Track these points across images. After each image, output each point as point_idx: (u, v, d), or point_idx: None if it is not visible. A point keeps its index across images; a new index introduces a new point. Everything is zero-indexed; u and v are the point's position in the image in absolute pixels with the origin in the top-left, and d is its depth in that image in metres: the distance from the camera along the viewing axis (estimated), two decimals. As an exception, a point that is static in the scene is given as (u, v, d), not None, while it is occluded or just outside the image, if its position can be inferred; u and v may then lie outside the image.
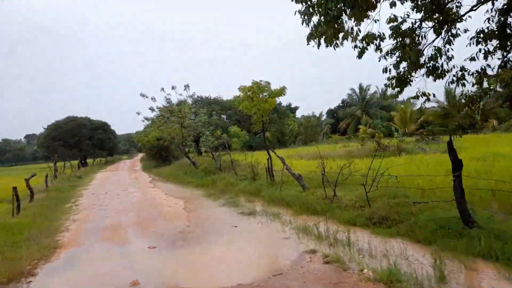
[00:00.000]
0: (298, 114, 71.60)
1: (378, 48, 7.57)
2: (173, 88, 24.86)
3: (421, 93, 8.08)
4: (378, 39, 7.33)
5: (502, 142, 23.95)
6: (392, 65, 7.84)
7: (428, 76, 8.10)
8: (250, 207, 11.42)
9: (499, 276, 4.79)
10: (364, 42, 7.26)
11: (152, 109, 25.79)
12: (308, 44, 7.47)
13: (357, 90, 67.78)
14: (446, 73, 7.93)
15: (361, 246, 6.58)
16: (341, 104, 72.34)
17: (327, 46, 7.32)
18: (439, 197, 8.29)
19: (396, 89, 8.31)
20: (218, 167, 20.37)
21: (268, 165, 14.30)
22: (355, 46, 7.46)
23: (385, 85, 8.49)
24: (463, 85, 7.53)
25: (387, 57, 7.68)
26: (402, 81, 8.05)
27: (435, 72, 7.97)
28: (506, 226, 6.01)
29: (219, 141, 23.54)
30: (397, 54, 7.70)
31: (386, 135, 43.97)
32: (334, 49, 7.39)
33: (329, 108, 74.49)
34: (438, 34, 7.89)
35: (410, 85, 8.14)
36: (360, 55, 7.52)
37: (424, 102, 8.12)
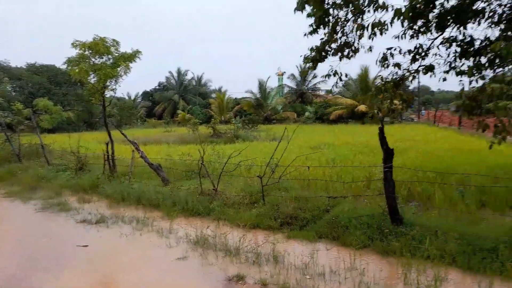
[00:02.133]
0: (108, 93, 64.03)
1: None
2: None
3: (333, 72, 7.19)
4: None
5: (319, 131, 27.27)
6: (311, 29, 6.68)
7: (337, 53, 7.29)
8: (91, 210, 8.15)
9: (478, 287, 4.16)
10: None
11: None
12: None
13: (175, 74, 66.19)
14: (357, 52, 7.27)
15: (293, 261, 5.05)
16: (158, 87, 69.08)
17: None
18: (336, 191, 7.70)
19: (308, 65, 7.19)
20: (16, 154, 14.83)
21: (108, 151, 10.95)
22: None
23: (304, 57, 7.23)
24: (387, 66, 7.01)
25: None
26: (321, 53, 6.96)
27: (347, 49, 7.21)
28: (434, 221, 5.70)
29: (13, 118, 17.37)
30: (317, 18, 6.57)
31: (205, 122, 44.38)
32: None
33: (145, 90, 70.00)
34: (346, 3, 7.04)
35: (324, 60, 7.15)
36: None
37: (336, 82, 7.27)
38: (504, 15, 7.56)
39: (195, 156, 13.04)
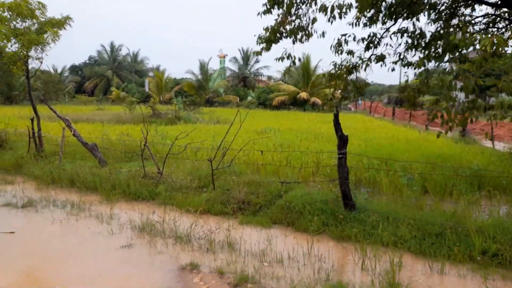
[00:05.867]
0: (32, 62, 57.64)
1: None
2: None
3: (287, 55, 6.97)
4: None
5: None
6: (265, 8, 6.39)
7: (291, 36, 7.08)
8: (15, 193, 7.17)
9: (431, 271, 4.31)
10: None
11: None
12: None
13: (108, 49, 61.73)
14: (310, 36, 7.13)
15: (249, 248, 4.85)
16: (88, 61, 63.90)
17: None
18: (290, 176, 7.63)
19: (262, 45, 6.89)
20: None
21: (33, 128, 9.71)
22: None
23: (258, 37, 6.89)
24: (341, 52, 6.92)
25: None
26: (276, 34, 6.69)
27: (300, 32, 7.04)
28: (384, 206, 5.85)
29: None
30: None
31: (142, 101, 42.19)
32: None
33: (73, 64, 64.31)
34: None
35: (279, 41, 6.91)
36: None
37: (289, 65, 7.08)
38: (445, 11, 7.96)
39: (134, 137, 12.24)
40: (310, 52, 42.36)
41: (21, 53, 9.36)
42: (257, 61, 56.98)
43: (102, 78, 59.04)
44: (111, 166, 8.54)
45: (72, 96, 54.45)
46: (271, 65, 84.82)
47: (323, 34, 7.38)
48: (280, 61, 7.14)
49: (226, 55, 59.40)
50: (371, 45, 7.04)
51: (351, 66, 7.03)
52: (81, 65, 64.53)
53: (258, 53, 7.21)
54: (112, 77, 58.73)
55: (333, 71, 7.13)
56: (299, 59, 7.19)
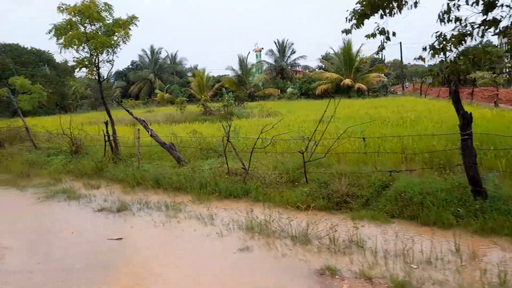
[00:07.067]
0: (103, 65, 60.22)
1: None
2: None
3: (379, 30, 6.27)
4: None
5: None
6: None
7: (379, 10, 6.35)
8: (105, 197, 7.08)
9: None
10: None
11: None
12: None
13: (149, 52, 63.10)
14: (402, 7, 6.37)
15: (383, 247, 4.29)
16: (131, 66, 65.79)
17: None
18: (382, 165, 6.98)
19: (352, 22, 6.26)
20: (-5, 138, 13.24)
21: (107, 132, 9.72)
22: None
23: (352, 10, 6.29)
24: (448, 21, 6.09)
25: None
26: (372, 6, 6.01)
27: (390, 4, 6.29)
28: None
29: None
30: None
31: (186, 101, 42.65)
32: None
33: (118, 70, 66.45)
34: None
35: (373, 15, 6.22)
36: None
37: (382, 42, 6.37)
38: None
39: (203, 134, 12.08)
40: (352, 37, 40.74)
41: (91, 57, 9.34)
42: (293, 52, 56.03)
43: (145, 82, 60.58)
44: (192, 165, 8.30)
45: (120, 101, 56.37)
46: (307, 55, 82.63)
47: (415, 4, 6.60)
48: (372, 37, 6.45)
49: (262, 48, 58.81)
50: (490, 8, 6.02)
51: (462, 34, 6.15)
52: (124, 70, 66.56)
53: (348, 32, 6.54)
54: (154, 79, 60.11)
55: (436, 44, 6.30)
56: (393, 34, 6.43)
